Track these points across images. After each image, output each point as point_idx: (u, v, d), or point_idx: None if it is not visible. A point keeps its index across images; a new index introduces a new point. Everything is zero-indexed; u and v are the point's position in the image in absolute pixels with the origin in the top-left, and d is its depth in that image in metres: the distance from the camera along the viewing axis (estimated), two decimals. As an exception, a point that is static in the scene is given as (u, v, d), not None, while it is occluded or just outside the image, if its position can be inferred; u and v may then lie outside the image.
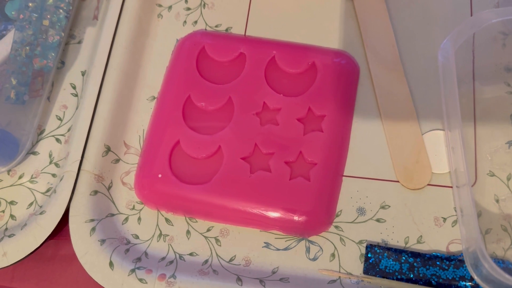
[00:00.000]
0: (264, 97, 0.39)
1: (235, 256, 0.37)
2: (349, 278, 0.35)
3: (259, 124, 0.39)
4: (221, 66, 0.41)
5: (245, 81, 0.40)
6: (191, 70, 0.41)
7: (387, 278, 0.35)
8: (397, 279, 0.34)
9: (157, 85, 0.42)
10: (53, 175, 0.41)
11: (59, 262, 0.39)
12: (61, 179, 0.39)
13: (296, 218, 0.36)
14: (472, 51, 0.39)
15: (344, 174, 0.38)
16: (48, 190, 0.40)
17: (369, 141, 0.39)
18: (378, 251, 0.35)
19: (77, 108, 0.43)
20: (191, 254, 0.37)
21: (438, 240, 0.36)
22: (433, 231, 0.36)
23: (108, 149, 0.40)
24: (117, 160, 0.40)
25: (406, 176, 0.37)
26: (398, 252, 0.35)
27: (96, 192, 0.39)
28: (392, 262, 0.35)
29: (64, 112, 0.43)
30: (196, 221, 0.38)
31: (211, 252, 0.37)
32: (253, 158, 0.38)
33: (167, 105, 0.41)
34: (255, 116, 0.39)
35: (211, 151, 0.38)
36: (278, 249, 0.37)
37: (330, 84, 0.39)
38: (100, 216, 0.38)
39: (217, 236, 0.37)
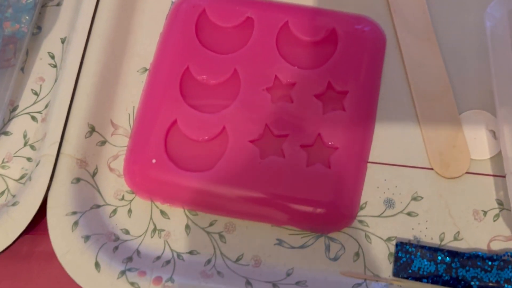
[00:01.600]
0: (276, 69, 0.34)
1: (242, 255, 0.32)
2: (377, 281, 0.30)
3: (270, 102, 0.33)
4: (225, 32, 0.36)
5: (253, 50, 0.34)
6: (189, 37, 0.35)
7: (420, 281, 0.30)
8: (433, 282, 0.30)
9: (150, 54, 0.36)
10: (28, 159, 0.35)
11: (37, 260, 0.34)
12: (37, 164, 0.33)
13: (313, 211, 0.31)
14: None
15: (370, 160, 0.33)
16: (22, 177, 0.35)
17: (398, 122, 0.33)
18: (409, 249, 0.31)
19: (55, 81, 0.37)
20: (191, 253, 0.32)
21: (478, 236, 0.31)
22: (472, 226, 0.31)
23: (92, 129, 0.34)
24: (103, 142, 0.35)
25: (442, 162, 0.32)
26: (433, 250, 0.30)
27: (78, 179, 0.33)
28: (426, 263, 0.30)
29: (40, 85, 0.37)
30: (197, 214, 0.33)
31: (215, 250, 0.32)
32: (264, 141, 0.33)
33: (161, 78, 0.35)
34: (266, 92, 0.33)
35: (214, 132, 0.33)
36: (293, 247, 0.31)
37: (353, 55, 0.34)
38: (83, 208, 0.33)
39: (222, 232, 0.32)
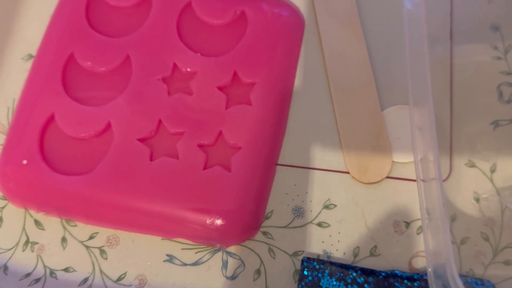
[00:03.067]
0: (175, 56, 0.29)
1: (125, 273, 0.27)
2: (278, 304, 0.26)
3: (166, 93, 0.29)
4: (119, 13, 0.31)
5: (149, 33, 0.30)
6: (77, 18, 0.30)
7: (328, 304, 0.26)
8: (342, 306, 0.25)
9: (38, 39, 0.31)
10: None
11: None
12: None
13: (210, 221, 0.27)
14: (450, 1, 0.30)
15: (278, 163, 0.28)
16: None
17: (312, 120, 0.29)
18: (317, 266, 0.26)
19: None
20: (66, 270, 0.27)
21: (398, 252, 0.27)
22: (392, 240, 0.27)
23: (-40, 124, 0.29)
24: (-26, 140, 0.30)
25: (359, 165, 0.28)
26: (344, 268, 0.26)
27: None
28: (335, 283, 0.26)
29: None
30: (76, 225, 0.28)
31: (94, 267, 0.27)
32: (155, 139, 0.28)
33: (43, 66, 0.30)
34: (161, 82, 0.29)
35: (97, 128, 0.28)
36: (185, 264, 0.27)
37: (264, 42, 0.29)
38: None
39: (103, 246, 0.27)
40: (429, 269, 0.23)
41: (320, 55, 0.30)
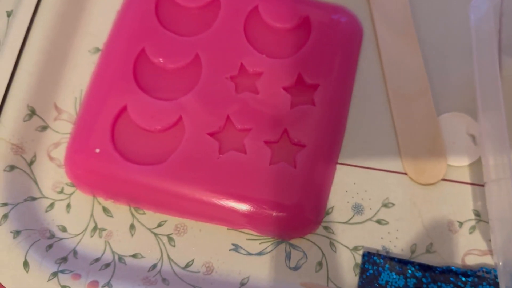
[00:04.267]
0: (242, 56, 0.31)
1: (193, 261, 0.28)
2: (340, 295, 0.27)
3: (234, 91, 0.30)
4: (188, 13, 0.32)
5: (218, 34, 0.31)
6: (148, 16, 0.32)
7: (388, 296, 0.27)
8: (401, 299, 0.27)
9: (103, 34, 0.33)
10: (-42, 143, 0.31)
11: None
12: (-34, 148, 0.29)
13: (275, 214, 0.28)
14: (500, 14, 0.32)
15: (339, 161, 0.30)
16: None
17: (371, 121, 0.30)
18: (377, 261, 0.28)
19: (-4, 58, 0.33)
20: (134, 256, 0.28)
21: (452, 249, 0.28)
22: (446, 238, 0.28)
23: (32, 112, 0.30)
24: (44, 128, 0.31)
25: (416, 167, 0.29)
26: (403, 263, 0.28)
27: (12, 167, 0.29)
28: (395, 276, 0.27)
29: (-20, 61, 0.33)
30: (144, 213, 0.29)
31: (162, 254, 0.28)
32: (224, 134, 0.29)
33: (113, 59, 0.31)
34: (229, 80, 0.30)
35: (169, 122, 0.29)
36: (250, 254, 0.28)
37: (327, 47, 0.31)
38: (16, 199, 0.29)
39: (171, 234, 0.29)
40: (500, 263, 0.24)
41: (377, 61, 0.32)
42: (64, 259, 0.28)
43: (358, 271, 0.28)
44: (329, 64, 0.31)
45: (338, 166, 0.30)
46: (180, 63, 0.31)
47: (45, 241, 0.28)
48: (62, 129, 0.31)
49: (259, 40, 0.31)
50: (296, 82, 0.30)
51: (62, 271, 0.27)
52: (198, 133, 0.29)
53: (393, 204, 0.29)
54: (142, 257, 0.28)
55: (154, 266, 0.28)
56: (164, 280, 0.27)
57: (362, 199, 0.29)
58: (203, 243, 0.28)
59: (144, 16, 0.32)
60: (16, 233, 0.28)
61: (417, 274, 0.27)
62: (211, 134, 0.29)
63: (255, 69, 0.30)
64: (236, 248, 0.28)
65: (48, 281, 0.27)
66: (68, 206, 0.29)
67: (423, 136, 0.30)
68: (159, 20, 0.32)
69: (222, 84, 0.30)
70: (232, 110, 0.30)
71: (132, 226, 0.29)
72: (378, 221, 0.29)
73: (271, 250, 0.28)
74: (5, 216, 0.28)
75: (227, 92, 0.30)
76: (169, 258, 0.28)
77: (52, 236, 0.29)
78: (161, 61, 0.31)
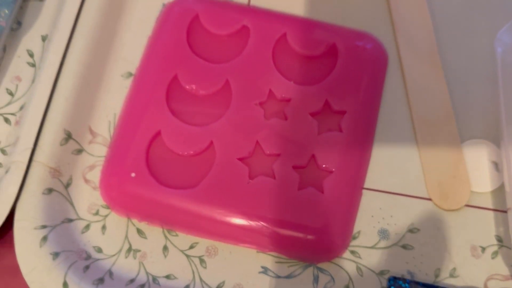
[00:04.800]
0: (271, 83, 0.32)
1: (223, 282, 0.29)
2: (366, 318, 0.28)
3: (263, 117, 0.31)
4: (218, 40, 0.33)
5: (247, 61, 0.32)
6: (179, 43, 0.33)
7: (413, 320, 0.28)
8: (426, 323, 0.28)
9: (136, 59, 0.34)
10: (-1, 165, 0.32)
11: (2, 274, 0.31)
12: (6, 171, 0.31)
13: (303, 237, 0.29)
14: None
15: (365, 187, 0.31)
16: (-10, 184, 0.32)
17: (396, 147, 0.31)
18: (403, 285, 0.28)
19: (33, 82, 0.34)
20: (167, 277, 0.29)
21: (475, 274, 0.29)
22: (469, 262, 0.29)
23: (68, 136, 0.32)
24: (80, 151, 0.32)
25: (441, 193, 0.30)
26: (427, 287, 0.28)
27: (50, 190, 0.30)
28: (419, 300, 0.28)
29: (17, 85, 0.34)
30: (177, 235, 0.30)
31: (194, 275, 0.29)
32: (253, 159, 0.30)
33: (146, 85, 0.32)
34: (258, 106, 0.31)
35: (201, 147, 0.30)
36: (279, 277, 0.29)
37: (353, 73, 0.32)
38: (54, 221, 0.30)
39: (202, 256, 0.30)
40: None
41: (402, 87, 0.33)
42: (101, 280, 0.29)
43: (384, 295, 0.29)
44: (355, 91, 0.32)
45: (364, 191, 0.31)
46: (211, 89, 0.32)
47: (82, 262, 0.29)
48: (97, 152, 0.32)
49: (287, 67, 0.32)
50: (323, 109, 0.31)
51: (100, 292, 0.28)
52: (228, 158, 0.30)
53: (418, 229, 0.30)
54: (175, 278, 0.29)
55: (187, 287, 0.29)
56: (197, 301, 0.28)
57: (388, 224, 0.30)
58: (233, 265, 0.29)
59: (175, 42, 0.33)
60: (55, 254, 0.29)
61: (441, 298, 0.28)
62: (241, 159, 0.30)
63: (283, 95, 0.31)
64: (265, 270, 0.29)
65: (86, 301, 0.28)
66: (103, 227, 0.31)
67: (447, 162, 0.31)
68: (190, 47, 0.33)
69: (251, 110, 0.31)
70: (261, 136, 0.31)
71: (165, 248, 0.30)
72: (404, 246, 0.30)
73: (299, 274, 0.29)
74: (45, 238, 0.29)
75: (256, 118, 0.31)
76: (201, 279, 0.29)
77: (89, 257, 0.30)
78: (193, 88, 0.32)
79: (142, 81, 0.33)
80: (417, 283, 0.29)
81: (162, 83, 0.32)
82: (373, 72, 0.32)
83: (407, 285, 0.28)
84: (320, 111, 0.31)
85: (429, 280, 0.29)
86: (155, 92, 0.32)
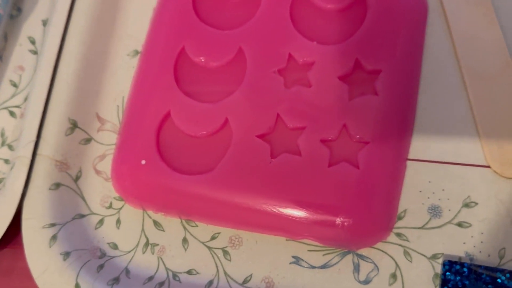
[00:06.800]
0: (290, 46, 0.28)
1: (251, 276, 0.26)
2: (419, 311, 0.24)
3: (283, 86, 0.27)
4: (228, 4, 0.30)
5: (261, 23, 0.28)
6: (185, 11, 0.29)
7: (476, 311, 0.23)
8: (492, 314, 0.23)
9: (142, 35, 0.31)
10: (6, 161, 0.31)
11: (18, 277, 0.30)
12: (12, 168, 0.28)
13: (338, 221, 0.25)
14: None
15: (409, 157, 0.26)
16: (-2, 182, 0.30)
17: (445, 108, 0.27)
18: (461, 270, 0.24)
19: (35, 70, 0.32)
20: (189, 273, 0.26)
21: (549, 253, 0.24)
22: (541, 240, 0.24)
23: (74, 125, 0.29)
24: (88, 140, 0.29)
25: (502, 158, 0.25)
26: (491, 271, 0.24)
27: (58, 185, 0.28)
28: (482, 287, 0.24)
29: (20, 75, 0.32)
30: (196, 226, 0.27)
31: (218, 269, 0.26)
32: (275, 135, 0.27)
33: (153, 62, 0.29)
34: (277, 74, 0.27)
35: (215, 126, 0.27)
36: (313, 267, 0.26)
37: (386, 25, 0.27)
38: (63, 219, 0.28)
39: (226, 247, 0.26)
40: None
41: (447, 39, 0.28)
42: (116, 280, 0.26)
43: (438, 282, 0.24)
44: (390, 46, 0.27)
45: (408, 163, 0.26)
46: (222, 60, 0.28)
47: (96, 261, 0.27)
48: (107, 140, 0.29)
49: (308, 25, 0.28)
50: (354, 70, 0.27)
51: (116, 292, 0.26)
52: (246, 136, 0.26)
53: (476, 203, 0.25)
54: (197, 273, 0.26)
55: (211, 282, 0.26)
56: (222, 299, 0.25)
57: (439, 199, 0.25)
58: (260, 256, 0.26)
59: (181, 11, 0.29)
60: (66, 254, 0.27)
61: (508, 284, 0.24)
62: (261, 136, 0.26)
63: (306, 59, 0.27)
64: (297, 260, 0.26)
65: (101, 304, 0.26)
66: (118, 221, 0.28)
67: (508, 121, 0.26)
68: (198, 14, 0.29)
69: (269, 79, 0.27)
70: (282, 108, 0.27)
71: (184, 240, 0.27)
72: (459, 224, 0.25)
73: (337, 262, 0.25)
74: (54, 237, 0.27)
75: (275, 88, 0.27)
76: (225, 273, 0.26)
77: (103, 254, 0.27)
78: (203, 60, 0.28)
79: (148, 58, 0.30)
80: (478, 266, 0.24)
81: (169, 58, 0.29)
82: (411, 23, 0.28)
83: (465, 269, 0.24)
84: (350, 73, 0.27)
85: (492, 262, 0.24)
86: (162, 69, 0.28)
